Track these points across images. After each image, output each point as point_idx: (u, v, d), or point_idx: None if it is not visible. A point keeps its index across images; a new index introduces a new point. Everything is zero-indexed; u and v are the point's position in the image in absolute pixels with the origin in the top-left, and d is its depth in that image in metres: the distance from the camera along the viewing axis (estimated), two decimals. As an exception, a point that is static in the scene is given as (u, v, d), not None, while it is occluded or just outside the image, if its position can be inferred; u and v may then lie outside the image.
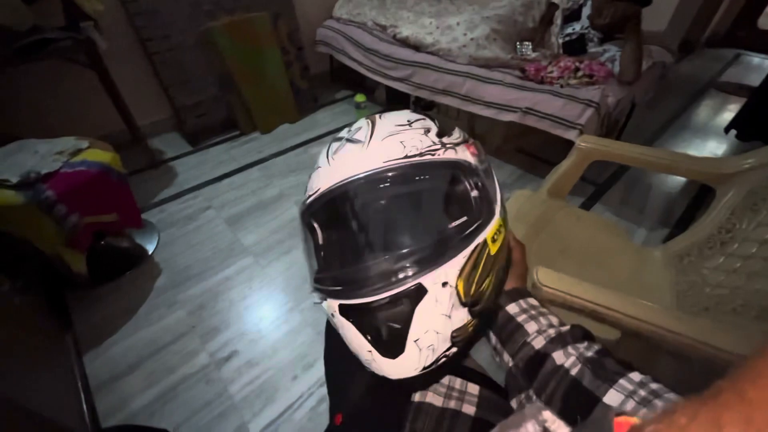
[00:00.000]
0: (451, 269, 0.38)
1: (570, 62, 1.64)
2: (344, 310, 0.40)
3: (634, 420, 0.20)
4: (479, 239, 0.40)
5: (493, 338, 0.46)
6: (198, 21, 1.93)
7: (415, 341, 0.38)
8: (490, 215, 0.42)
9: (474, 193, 0.41)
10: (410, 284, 0.37)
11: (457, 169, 0.41)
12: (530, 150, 2.03)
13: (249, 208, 1.73)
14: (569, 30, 1.83)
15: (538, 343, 0.40)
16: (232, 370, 1.13)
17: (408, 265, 0.38)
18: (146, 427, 0.88)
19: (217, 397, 1.06)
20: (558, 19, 1.86)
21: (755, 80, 2.10)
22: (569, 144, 1.17)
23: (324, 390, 1.04)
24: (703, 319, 0.71)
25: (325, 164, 0.43)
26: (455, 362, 0.45)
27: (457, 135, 0.45)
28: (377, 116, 0.46)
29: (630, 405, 0.31)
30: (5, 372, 0.84)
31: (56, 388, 1.01)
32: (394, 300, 0.38)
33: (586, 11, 1.78)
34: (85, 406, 1.03)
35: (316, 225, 0.45)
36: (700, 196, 1.69)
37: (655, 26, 2.70)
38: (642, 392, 0.31)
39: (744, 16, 3.28)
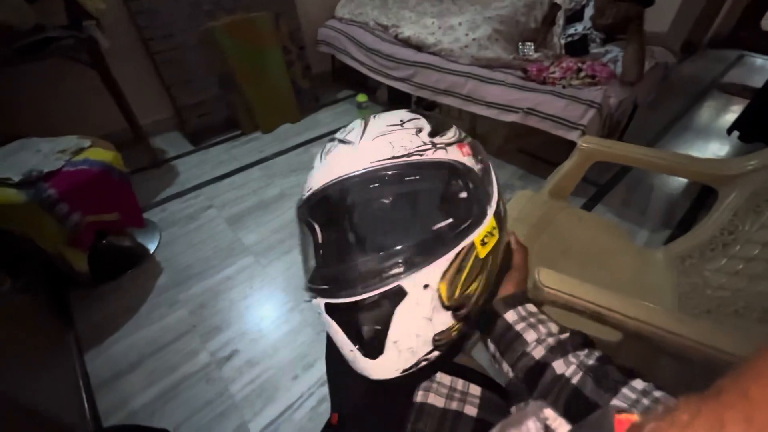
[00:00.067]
0: (433, 272, 0.37)
1: (572, 63, 1.63)
2: (329, 309, 0.40)
3: (635, 417, 0.20)
4: (466, 242, 0.39)
5: (492, 346, 0.45)
6: (200, 20, 1.94)
7: (394, 342, 0.38)
8: (481, 217, 0.41)
9: (463, 195, 0.40)
10: (390, 286, 0.37)
11: (444, 169, 0.40)
12: (532, 150, 2.02)
13: (250, 208, 1.73)
14: (571, 30, 1.82)
15: (538, 353, 0.40)
16: (233, 369, 1.13)
17: (389, 266, 0.38)
18: (146, 427, 0.88)
19: (217, 396, 1.07)
20: (560, 20, 1.86)
21: (758, 81, 2.09)
22: (571, 145, 1.17)
23: (324, 390, 1.04)
24: (705, 321, 0.71)
25: (318, 164, 0.43)
26: (439, 365, 0.44)
27: (451, 135, 0.44)
28: (372, 117, 0.46)
29: None
30: (7, 371, 0.84)
31: (58, 387, 1.01)
32: (374, 301, 0.38)
33: (588, 12, 1.77)
34: (86, 405, 1.03)
35: (307, 224, 0.46)
36: (701, 197, 1.69)
37: (657, 27, 2.69)
38: (645, 401, 0.31)
39: (747, 16, 3.27)
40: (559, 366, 0.37)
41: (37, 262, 1.24)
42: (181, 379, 1.11)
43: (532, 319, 0.43)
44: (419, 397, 0.45)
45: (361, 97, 2.41)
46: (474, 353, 0.54)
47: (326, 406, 1.02)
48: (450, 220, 0.39)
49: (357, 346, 0.40)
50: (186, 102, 2.07)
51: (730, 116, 2.26)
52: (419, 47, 2.02)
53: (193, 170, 2.00)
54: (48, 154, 1.19)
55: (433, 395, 0.45)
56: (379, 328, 0.38)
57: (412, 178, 0.40)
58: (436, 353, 0.41)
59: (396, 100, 2.46)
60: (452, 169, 0.40)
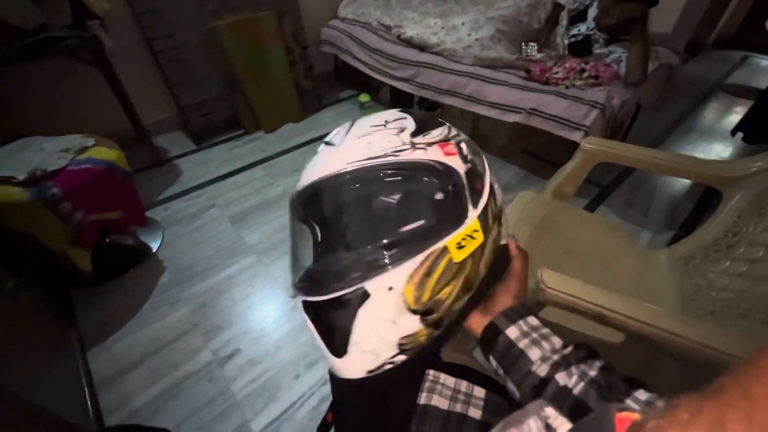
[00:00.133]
0: (398, 274, 0.37)
1: (575, 63, 1.63)
2: (305, 306, 0.41)
3: (636, 416, 0.19)
4: (437, 245, 0.37)
5: (494, 362, 0.43)
6: (203, 20, 1.94)
7: (357, 343, 0.38)
8: (457, 220, 0.39)
9: (438, 196, 0.39)
10: (354, 287, 0.37)
11: (419, 170, 0.39)
12: (534, 151, 2.02)
13: (253, 207, 1.74)
14: (575, 31, 1.82)
15: (543, 370, 0.38)
16: (235, 368, 1.13)
17: (353, 267, 0.38)
18: (147, 427, 0.88)
19: (219, 395, 1.07)
20: (564, 20, 1.85)
21: (763, 83, 2.08)
22: (574, 145, 1.17)
23: (326, 389, 1.04)
24: (709, 323, 0.71)
25: (307, 165, 0.44)
26: (410, 368, 0.43)
27: (437, 134, 0.42)
28: (362, 118, 0.46)
29: None
30: (10, 369, 0.84)
31: (60, 385, 1.01)
32: (340, 301, 0.38)
33: (592, 12, 1.77)
34: (89, 402, 1.04)
35: (293, 223, 0.47)
36: (705, 198, 1.68)
37: (661, 28, 2.68)
38: None
39: (752, 17, 3.25)
40: (561, 378, 0.37)
41: (40, 260, 1.25)
42: (182, 378, 1.11)
43: (534, 335, 0.41)
44: (423, 398, 0.45)
45: (364, 97, 2.41)
46: (477, 355, 0.53)
47: (328, 405, 1.02)
48: (420, 222, 0.38)
49: (324, 345, 0.41)
50: (189, 101, 2.08)
51: (734, 117, 2.24)
52: (422, 47, 2.02)
53: (196, 169, 2.00)
54: (52, 153, 1.19)
55: (437, 397, 0.45)
56: (343, 327, 0.38)
57: (386, 179, 0.39)
58: (402, 357, 0.40)
59: (398, 100, 2.45)
60: (428, 169, 0.39)
